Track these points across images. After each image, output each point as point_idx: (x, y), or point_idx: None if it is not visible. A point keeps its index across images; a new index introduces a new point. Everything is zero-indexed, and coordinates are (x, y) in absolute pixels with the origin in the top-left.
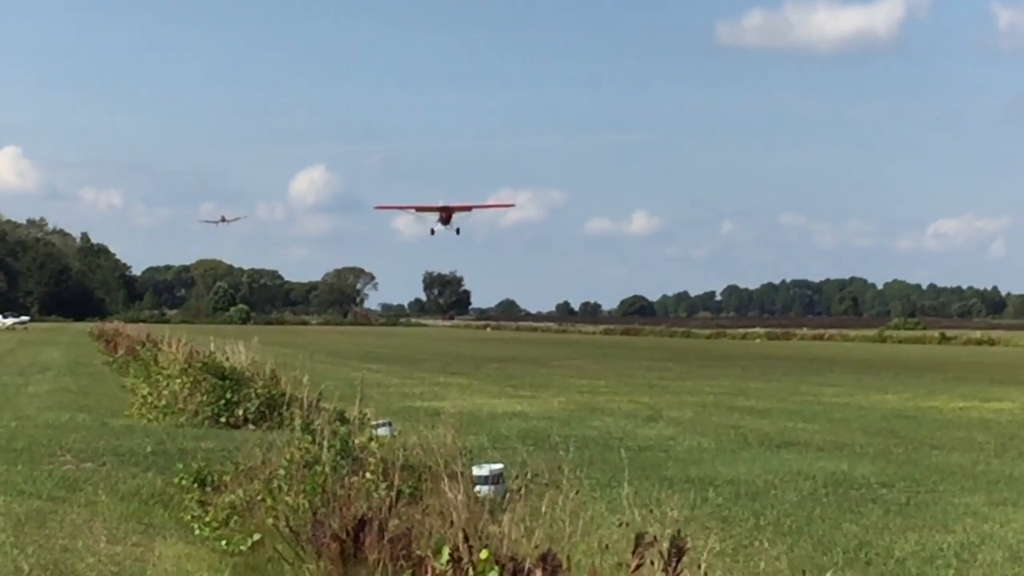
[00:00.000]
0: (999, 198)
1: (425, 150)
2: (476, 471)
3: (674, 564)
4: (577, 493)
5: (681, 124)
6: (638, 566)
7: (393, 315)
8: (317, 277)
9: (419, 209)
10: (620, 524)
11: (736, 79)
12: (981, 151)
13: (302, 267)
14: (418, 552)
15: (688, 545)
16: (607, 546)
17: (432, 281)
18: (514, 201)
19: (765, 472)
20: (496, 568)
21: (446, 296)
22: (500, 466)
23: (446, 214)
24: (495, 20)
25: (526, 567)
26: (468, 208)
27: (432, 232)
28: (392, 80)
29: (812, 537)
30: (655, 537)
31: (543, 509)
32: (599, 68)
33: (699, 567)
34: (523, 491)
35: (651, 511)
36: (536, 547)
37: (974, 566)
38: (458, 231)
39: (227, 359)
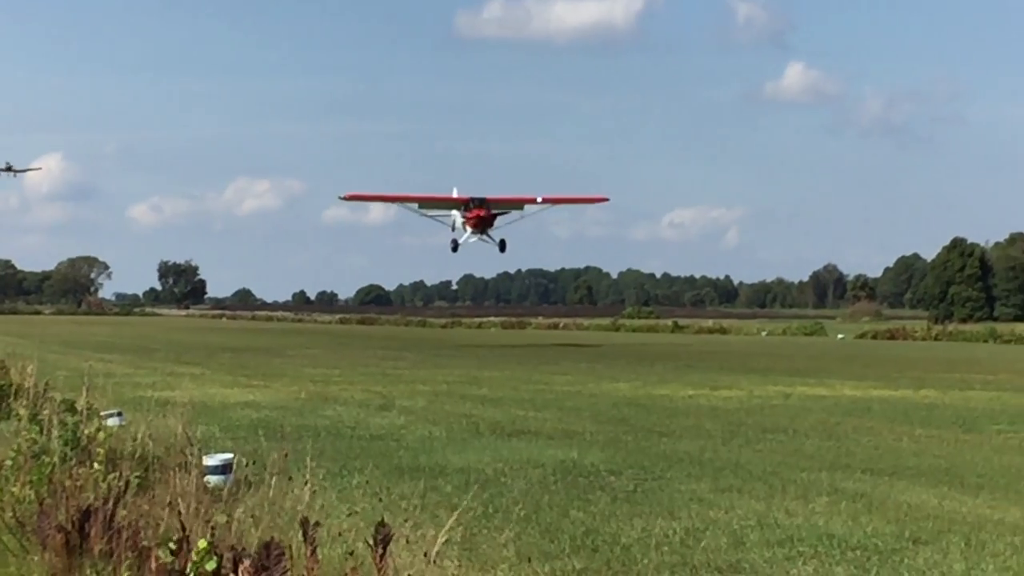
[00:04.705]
0: (733, 189)
1: (163, 139)
2: (207, 460)
3: (380, 552)
4: (307, 483)
5: (421, 114)
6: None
7: (128, 304)
8: (51, 266)
9: (422, 203)
10: (350, 514)
11: (476, 70)
12: (716, 142)
13: (36, 256)
14: (144, 543)
15: (393, 533)
16: (340, 534)
17: (167, 270)
18: None
19: (495, 460)
20: (214, 559)
21: (181, 285)
22: (231, 455)
23: (481, 214)
24: (232, 8)
25: (246, 556)
26: (519, 203)
27: (455, 247)
28: (129, 68)
29: (540, 524)
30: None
31: (273, 498)
32: (338, 57)
33: (425, 555)
34: (254, 481)
35: (380, 500)
36: (260, 536)
37: (698, 551)
38: (503, 246)
39: None
